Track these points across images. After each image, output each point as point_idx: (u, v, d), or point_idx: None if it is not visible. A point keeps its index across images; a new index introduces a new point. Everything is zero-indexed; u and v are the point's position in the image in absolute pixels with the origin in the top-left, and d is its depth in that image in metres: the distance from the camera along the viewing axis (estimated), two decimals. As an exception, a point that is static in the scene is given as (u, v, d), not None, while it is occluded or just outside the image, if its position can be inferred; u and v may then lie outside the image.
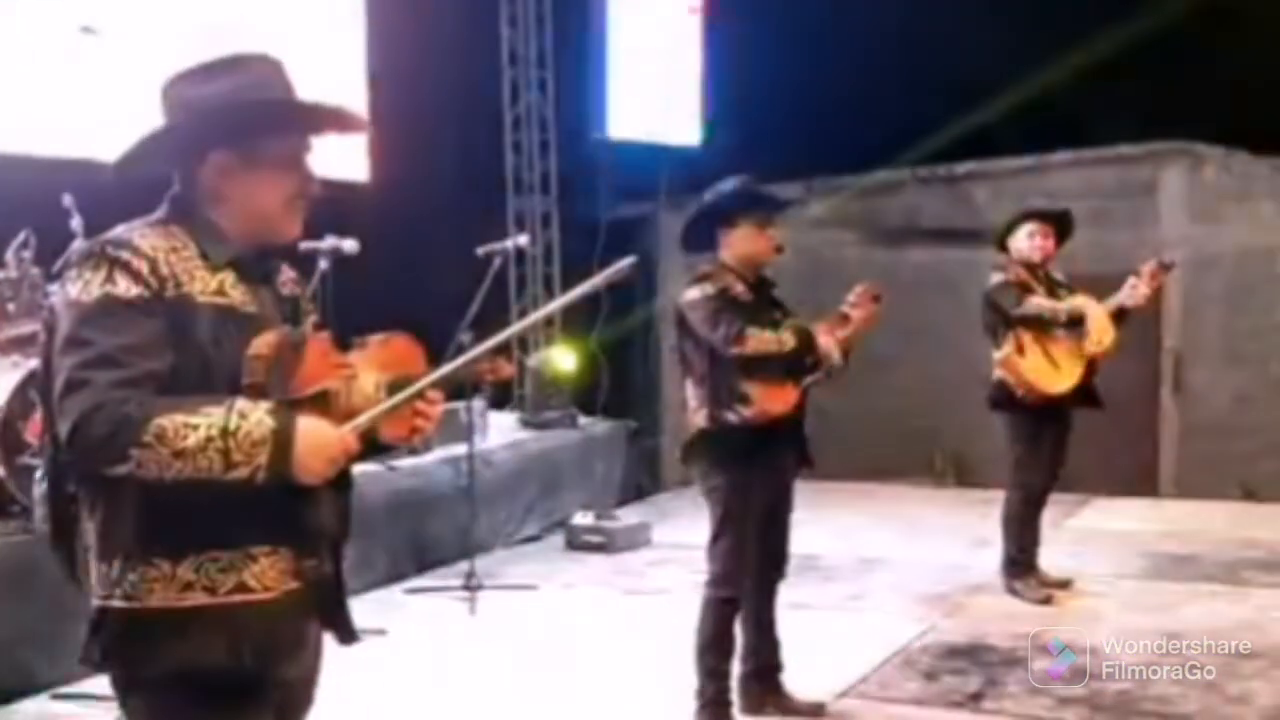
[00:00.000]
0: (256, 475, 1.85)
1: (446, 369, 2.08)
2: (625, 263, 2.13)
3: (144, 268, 1.93)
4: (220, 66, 2.06)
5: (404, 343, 2.18)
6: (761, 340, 4.03)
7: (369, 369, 2.09)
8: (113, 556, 1.96)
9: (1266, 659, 4.93)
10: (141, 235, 1.99)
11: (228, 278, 2.02)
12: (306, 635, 2.11)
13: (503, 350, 2.17)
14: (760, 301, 4.19)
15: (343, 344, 2.18)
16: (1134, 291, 5.81)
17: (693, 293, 4.12)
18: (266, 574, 1.99)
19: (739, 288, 4.14)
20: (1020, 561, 5.93)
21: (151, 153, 2.05)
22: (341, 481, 2.08)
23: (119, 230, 2.02)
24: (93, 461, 1.86)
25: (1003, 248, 5.97)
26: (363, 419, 1.98)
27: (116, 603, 1.96)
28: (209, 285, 1.99)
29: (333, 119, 2.15)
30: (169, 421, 1.83)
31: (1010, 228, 5.93)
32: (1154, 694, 4.59)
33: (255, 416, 1.86)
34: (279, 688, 2.08)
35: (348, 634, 2.22)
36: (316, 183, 2.10)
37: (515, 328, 2.19)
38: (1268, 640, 5.16)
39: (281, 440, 1.86)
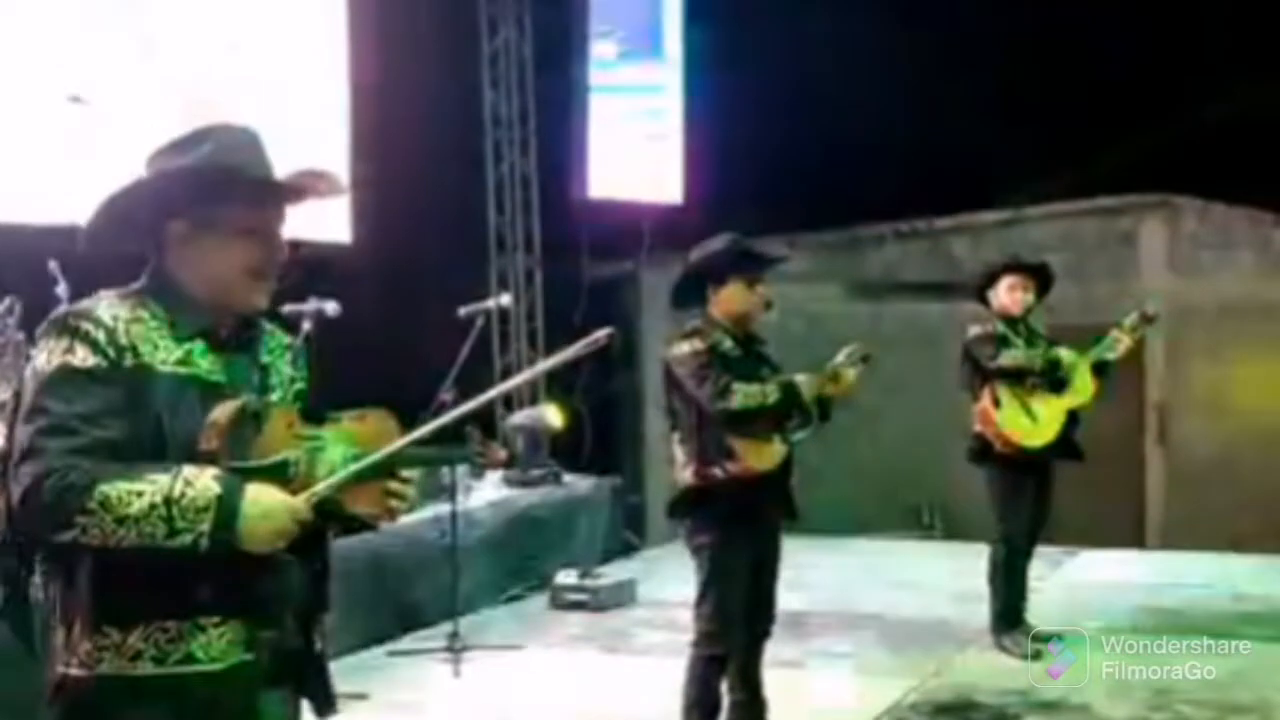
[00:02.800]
0: (200, 542, 1.86)
1: (406, 439, 2.06)
2: (602, 333, 2.14)
3: (102, 337, 1.95)
4: (194, 137, 2.09)
5: (379, 418, 2.16)
6: (748, 395, 4.02)
7: (339, 443, 2.08)
8: (69, 624, 1.98)
9: (1257, 713, 4.91)
10: (107, 305, 2.02)
11: (196, 347, 2.03)
12: (257, 707, 2.06)
13: (478, 420, 2.18)
14: (749, 358, 4.20)
15: (319, 411, 2.17)
16: (1116, 344, 5.83)
17: (682, 348, 4.12)
18: (214, 645, 1.97)
19: (728, 344, 4.15)
20: (1008, 616, 5.90)
21: (116, 219, 2.07)
22: (312, 552, 2.08)
23: (87, 300, 2.05)
24: (40, 528, 1.89)
25: (982, 300, 5.99)
26: (320, 488, 1.98)
27: (73, 670, 1.97)
28: (172, 355, 2.00)
29: (290, 191, 2.14)
30: (113, 488, 1.84)
31: (989, 280, 5.95)
32: (1144, 749, 4.55)
33: (201, 483, 1.87)
34: None
35: (325, 704, 2.20)
36: (283, 252, 2.11)
37: (480, 399, 2.17)
38: (1257, 694, 5.13)
39: (225, 507, 1.87)
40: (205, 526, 1.86)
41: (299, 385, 2.22)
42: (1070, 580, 7.42)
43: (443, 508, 6.52)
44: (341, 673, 5.83)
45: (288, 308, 4.89)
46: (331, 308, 5.52)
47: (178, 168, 2.05)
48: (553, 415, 8.01)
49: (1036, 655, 5.75)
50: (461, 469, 6.80)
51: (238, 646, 1.99)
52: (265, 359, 2.17)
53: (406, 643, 6.20)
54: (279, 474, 1.99)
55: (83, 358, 1.94)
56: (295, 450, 2.04)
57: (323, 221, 7.28)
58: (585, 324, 9.11)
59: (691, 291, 4.25)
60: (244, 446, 1.98)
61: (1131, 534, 8.98)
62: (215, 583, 1.95)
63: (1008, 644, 5.83)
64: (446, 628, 6.03)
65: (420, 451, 2.13)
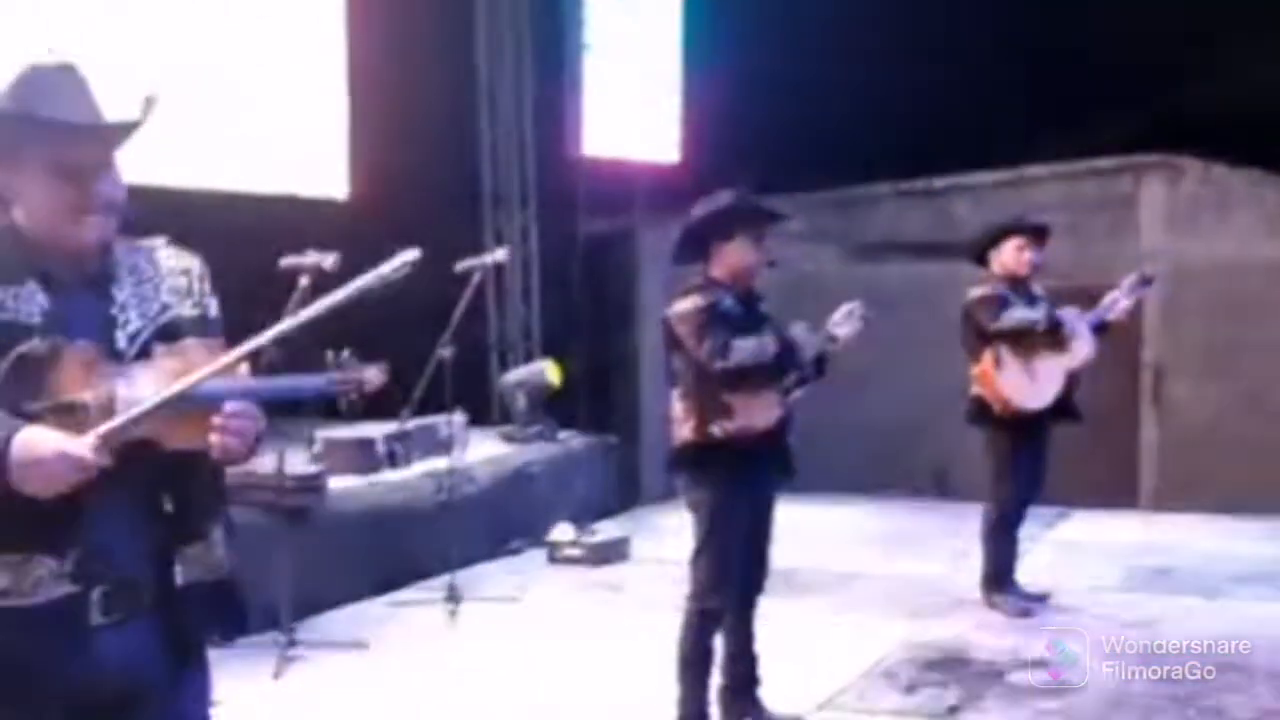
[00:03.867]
0: None
1: (206, 370, 2.03)
2: (408, 255, 2.14)
3: None
4: (10, 80, 2.11)
5: (200, 353, 2.12)
6: (745, 351, 4.03)
7: (152, 380, 2.05)
8: None
9: (1244, 672, 4.95)
10: None
11: (24, 290, 2.06)
12: (90, 639, 2.06)
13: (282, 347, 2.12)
14: (749, 316, 4.20)
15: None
16: (1115, 305, 5.84)
17: (682, 305, 4.13)
18: (25, 579, 2.01)
19: (728, 301, 4.15)
20: (999, 575, 5.95)
21: None
22: (158, 485, 2.10)
23: None
24: None
25: (979, 262, 5.98)
26: (105, 427, 1.97)
27: None
28: None
29: (104, 128, 2.12)
30: None
31: (992, 241, 5.93)
32: (1131, 706, 4.61)
33: None
34: (72, 697, 2.07)
35: (180, 647, 2.19)
36: (110, 187, 2.11)
37: (282, 326, 2.10)
38: (1246, 653, 5.17)
39: None
40: None
41: (176, 314, 2.20)
42: (1063, 540, 7.47)
43: (440, 463, 6.57)
44: (341, 622, 5.96)
45: (285, 260, 4.90)
46: (330, 261, 5.52)
47: None
48: (550, 373, 8.03)
49: (1026, 614, 5.82)
50: (458, 421, 6.86)
51: (59, 580, 2.01)
52: (123, 292, 2.16)
53: (404, 594, 6.25)
54: (70, 416, 2.01)
55: None
56: (86, 392, 2.04)
57: (319, 176, 7.31)
58: (583, 281, 9.14)
59: (694, 247, 4.25)
60: (34, 390, 2.01)
61: (1125, 495, 9.01)
62: (8, 519, 1.97)
63: (998, 602, 5.88)
64: (444, 580, 6.08)
65: (272, 385, 2.14)
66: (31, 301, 2.06)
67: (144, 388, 2.03)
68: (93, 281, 2.13)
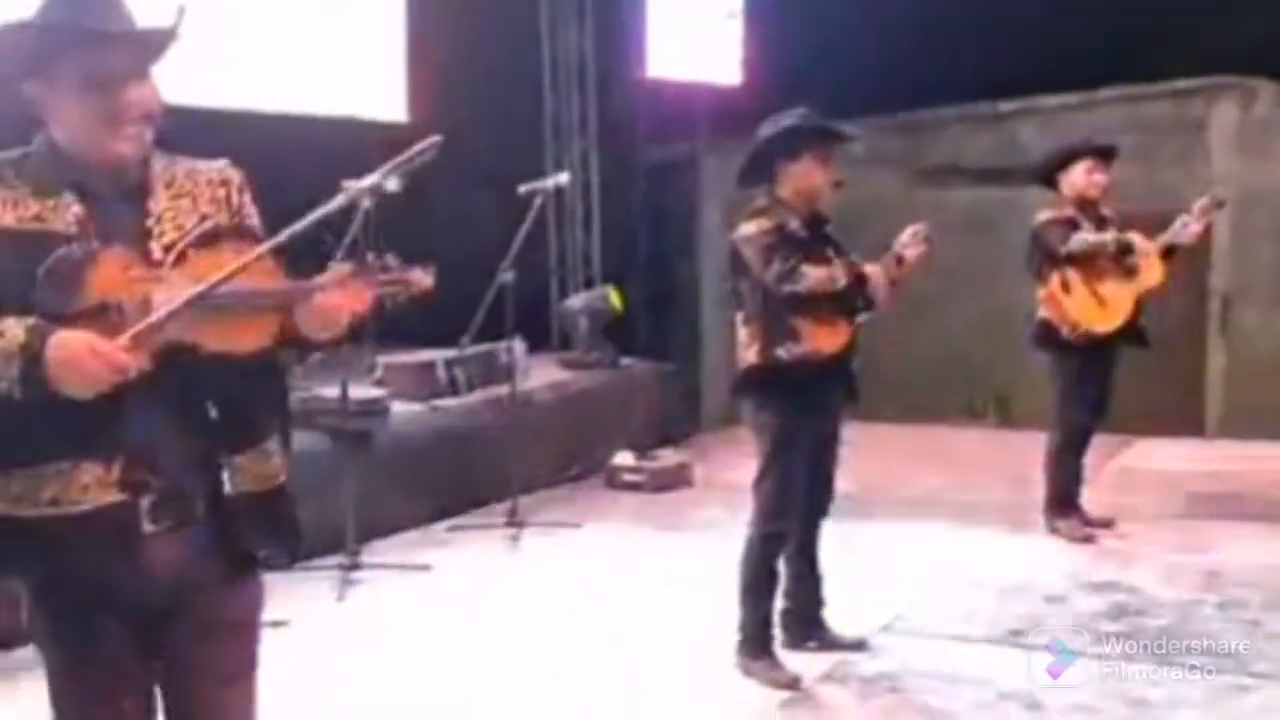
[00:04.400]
0: (13, 390, 1.95)
1: (234, 265, 2.05)
2: (430, 141, 2.14)
3: None
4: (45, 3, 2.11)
5: (234, 250, 2.13)
6: (816, 278, 4.00)
7: (188, 283, 2.06)
8: None
9: (1310, 597, 4.91)
10: None
11: (61, 202, 2.08)
12: (137, 546, 2.09)
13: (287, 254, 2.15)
14: (815, 238, 4.16)
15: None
16: (1185, 229, 5.74)
17: (748, 228, 4.10)
18: (72, 487, 2.04)
19: (794, 223, 4.11)
20: (1062, 501, 5.91)
21: None
22: (200, 392, 2.11)
23: None
24: None
25: (1048, 184, 5.89)
26: (137, 328, 1.99)
27: None
28: (29, 211, 2.06)
29: (137, 37, 2.12)
30: None
31: (1062, 163, 5.83)
32: (1195, 630, 4.59)
33: (11, 333, 1.95)
34: (126, 601, 2.11)
35: (232, 556, 2.21)
36: (145, 99, 2.10)
37: (309, 219, 2.12)
38: (1311, 579, 5.14)
39: (30, 354, 1.94)
40: (14, 373, 1.94)
41: (214, 223, 2.20)
42: (1126, 468, 7.40)
43: (501, 389, 6.61)
44: (404, 546, 6.04)
45: (346, 183, 4.91)
46: (392, 183, 5.53)
47: (8, 29, 2.08)
48: (611, 299, 8.03)
49: (1088, 539, 5.79)
50: (518, 348, 6.89)
51: (105, 487, 2.05)
52: (159, 205, 2.16)
53: (466, 519, 6.33)
54: (104, 319, 2.03)
55: None
56: (120, 294, 2.06)
57: (380, 100, 7.31)
58: (645, 208, 9.10)
59: (760, 168, 4.20)
60: (70, 296, 2.04)
61: (1191, 423, 8.91)
62: (53, 426, 2.01)
63: (1061, 527, 5.85)
64: (505, 506, 6.15)
65: (302, 286, 2.14)
66: (67, 212, 2.08)
67: (180, 291, 2.05)
68: (129, 193, 2.15)
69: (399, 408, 6.34)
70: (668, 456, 7.46)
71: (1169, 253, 5.78)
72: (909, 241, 4.21)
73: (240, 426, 2.17)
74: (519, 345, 6.94)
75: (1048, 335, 5.80)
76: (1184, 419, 8.88)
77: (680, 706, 4.02)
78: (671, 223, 9.07)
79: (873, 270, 4.15)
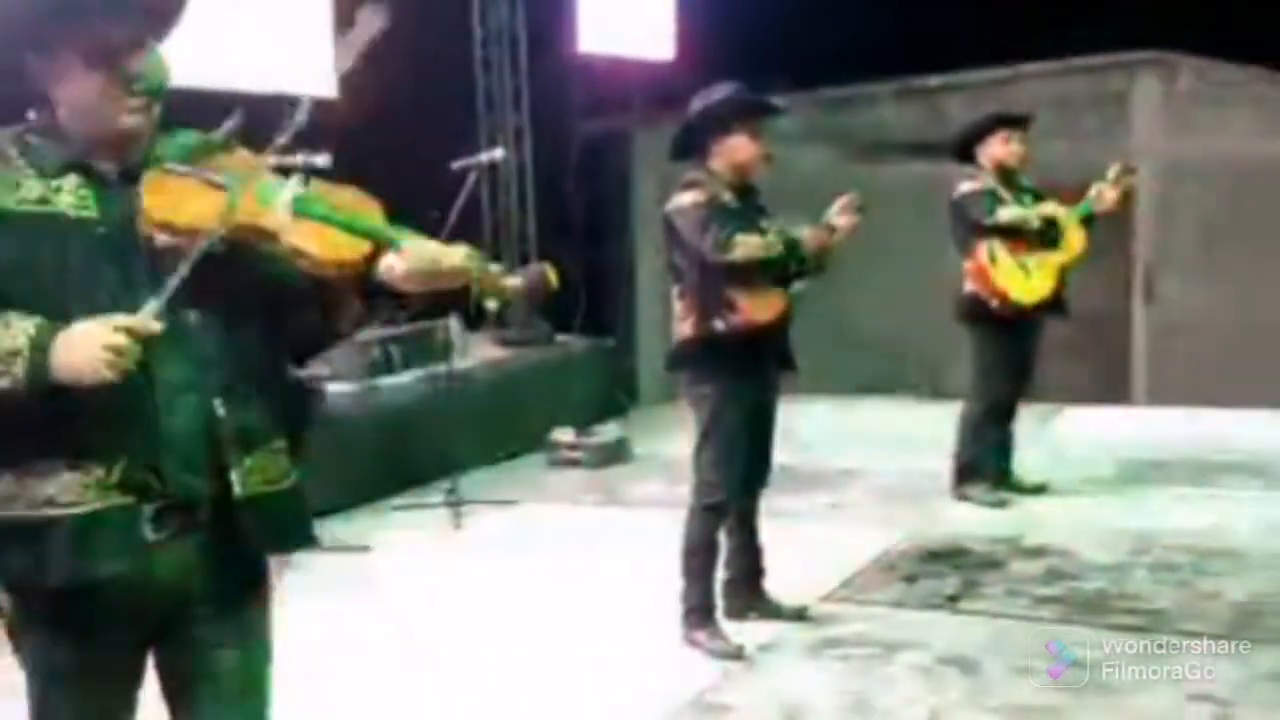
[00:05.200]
0: (18, 387, 1.86)
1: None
2: (305, 103, 2.10)
3: None
4: None
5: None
6: (749, 246, 4.04)
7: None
8: None
9: (1236, 557, 5.04)
10: None
11: (65, 183, 1.98)
12: (140, 549, 1.99)
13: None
14: (748, 209, 4.19)
15: None
16: (1100, 196, 5.82)
17: (682, 200, 4.12)
18: (72, 487, 1.94)
19: (727, 195, 4.14)
20: (973, 469, 5.99)
21: None
22: (210, 386, 2.03)
23: None
24: None
25: (965, 158, 5.95)
26: (164, 293, 1.89)
27: None
28: (32, 193, 1.96)
29: (134, 9, 2.03)
30: None
31: (978, 135, 5.90)
32: (1128, 592, 4.70)
33: (19, 326, 1.87)
34: (127, 612, 2.03)
35: (240, 562, 2.14)
36: (151, 70, 2.00)
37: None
38: (1237, 539, 5.27)
39: (37, 344, 1.86)
40: (19, 370, 1.86)
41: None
42: (1056, 436, 7.54)
43: (438, 367, 6.59)
44: (342, 526, 5.98)
45: (274, 160, 4.85)
46: (322, 160, 5.47)
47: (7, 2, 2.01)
48: (548, 275, 8.00)
49: (1002, 504, 5.87)
50: (455, 326, 6.86)
51: (106, 489, 1.95)
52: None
53: (405, 498, 6.31)
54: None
55: None
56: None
57: (309, 77, 7.20)
58: (578, 182, 9.08)
59: (692, 142, 4.22)
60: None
61: (1117, 391, 9.09)
62: (52, 423, 1.92)
63: (972, 494, 5.95)
64: (445, 484, 6.13)
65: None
66: (72, 194, 1.99)
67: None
68: (132, 174, 2.03)
69: (335, 387, 6.30)
70: (606, 432, 7.48)
71: (1087, 221, 5.87)
72: (838, 212, 4.25)
73: (247, 423, 2.07)
74: (455, 323, 6.92)
75: (974, 308, 5.86)
76: (1111, 387, 9.06)
77: (624, 679, 4.05)
78: (606, 198, 9.08)
79: (806, 235, 4.18)
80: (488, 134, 8.66)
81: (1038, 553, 5.20)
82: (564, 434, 7.27)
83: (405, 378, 6.80)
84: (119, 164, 2.03)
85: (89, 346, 1.84)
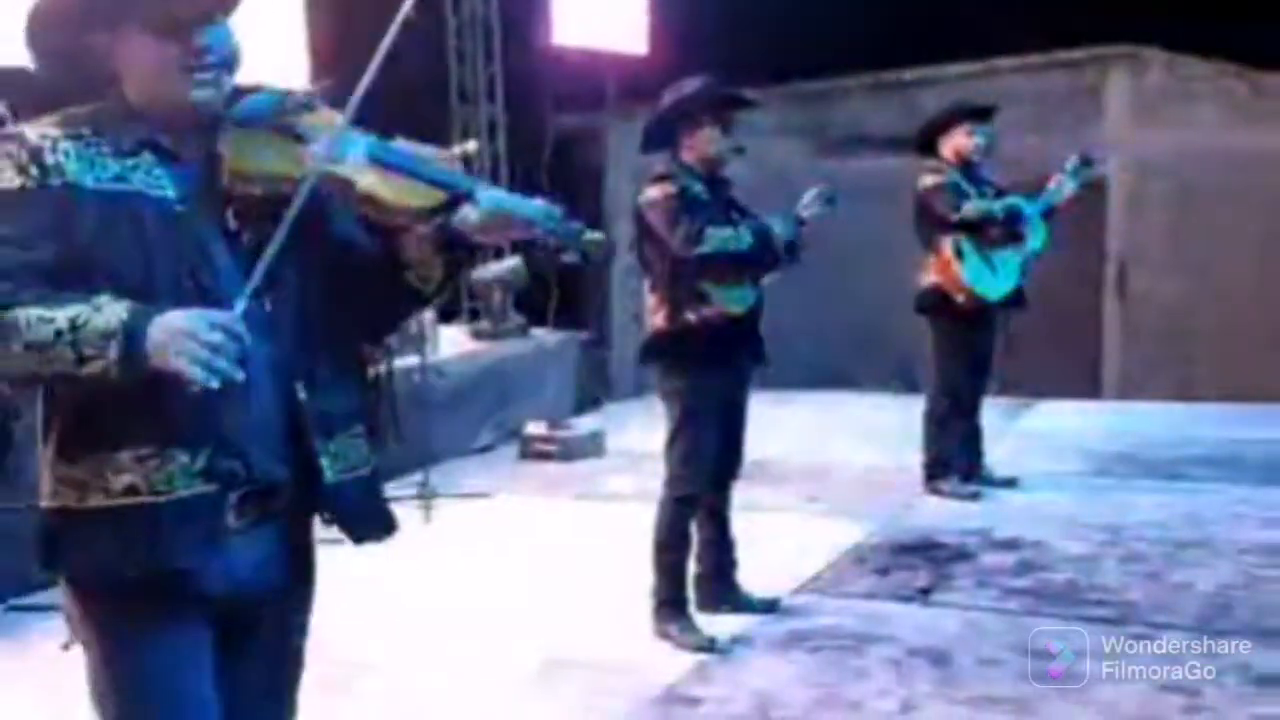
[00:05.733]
0: (110, 371, 1.76)
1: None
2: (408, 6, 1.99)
3: (25, 157, 1.86)
4: None
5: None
6: (721, 239, 4.04)
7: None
8: (45, 458, 1.96)
9: (1206, 549, 5.08)
10: (39, 125, 1.92)
11: (141, 161, 1.93)
12: (220, 540, 1.93)
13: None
14: (719, 202, 4.19)
15: None
16: (1061, 190, 5.84)
17: (652, 192, 4.11)
18: (154, 476, 1.88)
19: (697, 187, 4.14)
20: (944, 462, 6.01)
21: (43, 50, 1.97)
22: (279, 378, 1.97)
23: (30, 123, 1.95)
24: None
25: (928, 151, 5.95)
26: (253, 280, 1.83)
27: (44, 503, 1.96)
28: (108, 172, 1.90)
29: None
30: (25, 314, 1.76)
31: (942, 126, 5.90)
32: (1098, 584, 4.72)
33: (112, 309, 1.77)
34: (207, 603, 1.97)
35: (362, 531, 2.09)
36: (219, 42, 1.94)
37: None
38: (1206, 532, 5.31)
39: (131, 328, 1.76)
40: (113, 354, 1.75)
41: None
42: (1027, 430, 7.58)
43: (412, 359, 6.57)
44: (315, 519, 5.91)
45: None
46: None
47: None
48: (522, 268, 8.00)
49: (975, 497, 5.90)
50: (428, 318, 6.84)
51: (189, 477, 1.89)
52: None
53: (377, 491, 6.27)
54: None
55: (8, 179, 1.85)
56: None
57: (280, 68, 7.16)
58: (550, 176, 9.06)
59: (663, 134, 4.22)
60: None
61: (1088, 385, 9.14)
62: (140, 410, 1.85)
63: (944, 488, 5.98)
64: (417, 477, 6.11)
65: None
66: (152, 173, 1.93)
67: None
68: (209, 149, 1.97)
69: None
70: (580, 425, 7.48)
71: (1049, 214, 5.89)
72: (809, 203, 4.26)
73: (330, 408, 2.02)
74: (429, 316, 6.90)
75: (937, 302, 5.86)
76: (1082, 380, 9.12)
77: (596, 672, 4.04)
78: (579, 191, 9.06)
79: (775, 223, 4.18)
80: (461, 126, 8.64)
81: (1008, 545, 5.22)
82: (537, 427, 7.26)
83: (379, 369, 6.76)
84: (192, 139, 1.97)
85: (184, 342, 1.75)
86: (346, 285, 2.06)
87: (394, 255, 2.06)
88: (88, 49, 1.95)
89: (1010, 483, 6.12)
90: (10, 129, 1.93)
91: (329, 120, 2.01)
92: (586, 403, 8.36)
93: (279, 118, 2.00)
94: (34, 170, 1.86)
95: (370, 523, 2.12)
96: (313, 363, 2.02)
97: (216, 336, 1.75)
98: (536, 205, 2.04)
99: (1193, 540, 5.19)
